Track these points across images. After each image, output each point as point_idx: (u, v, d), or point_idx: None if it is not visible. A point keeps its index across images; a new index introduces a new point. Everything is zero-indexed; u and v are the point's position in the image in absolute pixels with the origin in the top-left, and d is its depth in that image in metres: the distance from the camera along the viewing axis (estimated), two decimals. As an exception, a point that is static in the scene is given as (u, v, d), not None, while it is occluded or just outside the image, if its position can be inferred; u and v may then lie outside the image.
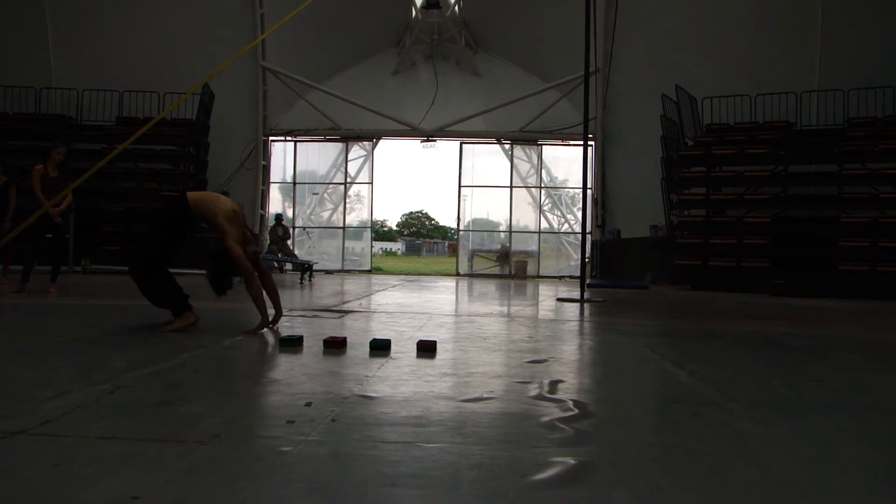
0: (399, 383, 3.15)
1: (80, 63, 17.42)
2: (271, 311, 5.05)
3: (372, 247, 22.91)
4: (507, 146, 20.50)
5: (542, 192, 20.70)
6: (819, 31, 14.99)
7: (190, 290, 4.93)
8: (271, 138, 20.08)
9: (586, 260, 12.23)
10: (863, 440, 2.45)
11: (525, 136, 20.03)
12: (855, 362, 4.49)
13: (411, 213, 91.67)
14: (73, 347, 4.09)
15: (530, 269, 19.95)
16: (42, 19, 17.35)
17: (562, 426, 2.41)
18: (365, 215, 21.62)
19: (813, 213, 14.34)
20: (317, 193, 21.08)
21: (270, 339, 4.62)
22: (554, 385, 3.20)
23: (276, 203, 20.59)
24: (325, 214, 21.16)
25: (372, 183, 20.80)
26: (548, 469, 1.92)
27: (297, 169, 20.74)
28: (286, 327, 5.18)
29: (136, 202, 16.20)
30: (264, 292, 4.97)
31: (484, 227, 21.83)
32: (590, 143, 15.33)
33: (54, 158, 8.00)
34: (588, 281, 13.03)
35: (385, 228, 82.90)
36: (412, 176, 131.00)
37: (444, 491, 1.75)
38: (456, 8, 20.98)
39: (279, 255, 16.43)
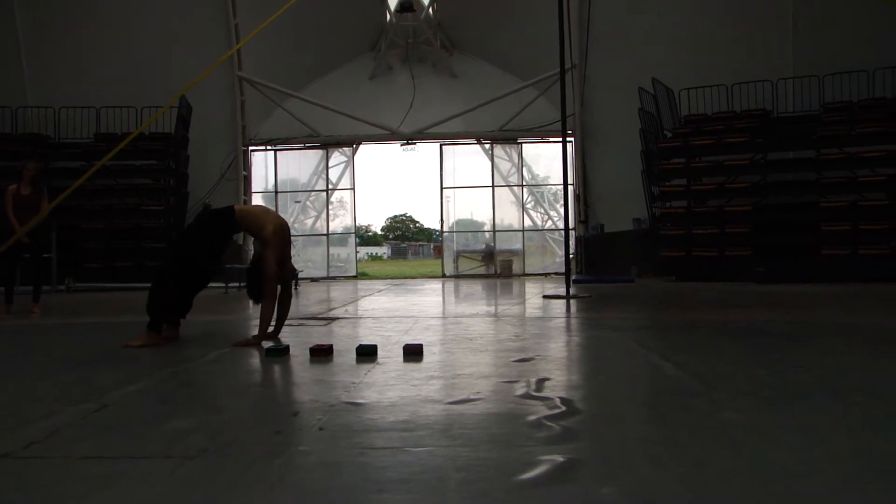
0: (386, 388, 3.15)
1: (55, 81, 17.23)
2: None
3: (357, 252, 22.85)
4: (487, 146, 20.53)
5: (524, 190, 20.75)
6: (792, 18, 15.13)
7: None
8: (251, 148, 20.01)
9: (571, 256, 12.30)
10: (848, 425, 2.48)
11: (504, 135, 20.06)
12: (837, 346, 4.54)
13: (395, 216, 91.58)
14: (57, 367, 4.06)
15: (516, 268, 19.99)
16: (14, 38, 17.15)
17: (549, 424, 2.42)
18: (348, 221, 21.59)
19: (793, 200, 14.48)
20: (299, 201, 21.01)
21: (257, 350, 4.60)
22: (541, 383, 3.21)
23: (258, 213, 20.40)
24: (309, 222, 21.10)
25: (354, 188, 20.77)
26: (536, 468, 1.93)
27: (279, 178, 20.66)
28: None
29: (116, 218, 16.10)
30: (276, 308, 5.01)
31: (468, 228, 21.86)
32: (569, 139, 15.36)
33: (25, 175, 7.92)
34: (573, 277, 13.07)
35: (370, 233, 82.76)
36: (394, 179, 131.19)
37: (431, 494, 1.76)
38: (430, 10, 21.00)
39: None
